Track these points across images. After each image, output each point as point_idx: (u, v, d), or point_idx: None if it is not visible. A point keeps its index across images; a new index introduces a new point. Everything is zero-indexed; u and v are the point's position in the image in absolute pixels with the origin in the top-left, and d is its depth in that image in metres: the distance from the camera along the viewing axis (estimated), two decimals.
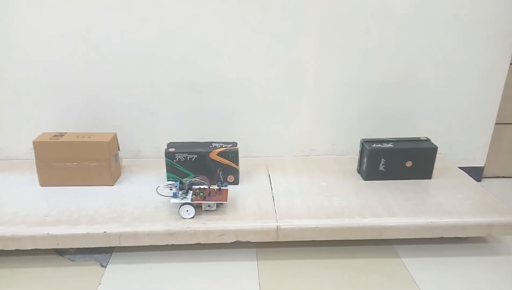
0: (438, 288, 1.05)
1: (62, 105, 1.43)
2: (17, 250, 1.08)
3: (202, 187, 1.17)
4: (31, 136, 1.45)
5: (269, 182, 1.32)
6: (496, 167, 1.65)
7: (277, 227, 1.10)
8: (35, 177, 1.32)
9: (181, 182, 1.16)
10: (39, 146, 1.24)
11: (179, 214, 1.12)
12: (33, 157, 1.27)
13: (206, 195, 1.15)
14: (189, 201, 1.12)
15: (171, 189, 1.17)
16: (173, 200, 1.13)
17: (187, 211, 1.11)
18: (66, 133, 1.30)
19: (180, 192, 1.15)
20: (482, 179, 1.64)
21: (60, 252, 1.17)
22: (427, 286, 1.06)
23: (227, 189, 1.18)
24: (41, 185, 1.29)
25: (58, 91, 1.41)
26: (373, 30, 1.37)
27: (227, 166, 1.28)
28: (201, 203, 1.14)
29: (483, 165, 1.60)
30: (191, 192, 1.16)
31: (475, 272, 1.11)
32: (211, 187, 1.17)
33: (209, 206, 1.15)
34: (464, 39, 1.40)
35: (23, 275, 1.09)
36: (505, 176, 1.67)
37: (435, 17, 1.37)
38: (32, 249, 1.08)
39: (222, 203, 1.17)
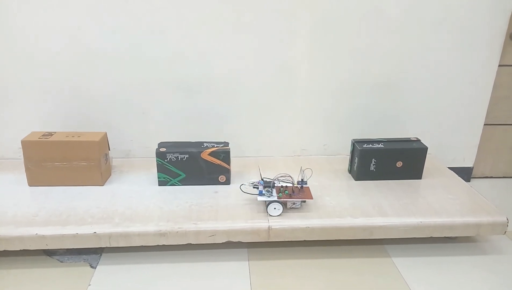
0: (428, 287, 1.06)
1: (52, 104, 1.41)
2: (4, 250, 1.06)
3: (284, 185, 1.18)
4: (19, 136, 1.44)
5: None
6: (484, 168, 1.67)
7: (269, 227, 1.10)
8: (23, 176, 1.31)
9: (265, 180, 1.17)
10: (27, 145, 1.23)
11: (267, 212, 1.13)
12: (22, 157, 1.25)
13: (290, 193, 1.15)
14: (276, 198, 1.12)
15: (254, 187, 1.17)
16: (260, 198, 1.13)
17: (275, 208, 1.12)
18: (55, 132, 1.29)
19: (265, 190, 1.15)
20: (471, 179, 1.66)
21: (49, 253, 1.15)
22: (417, 285, 1.07)
23: (309, 187, 1.19)
24: (30, 185, 1.27)
25: (47, 90, 1.39)
26: (364, 32, 1.38)
27: (219, 166, 1.27)
28: (288, 201, 1.14)
29: (472, 166, 1.62)
30: (274, 189, 1.16)
31: (464, 271, 1.13)
32: (294, 185, 1.18)
33: (294, 203, 1.15)
34: (454, 42, 1.42)
35: (11, 276, 1.07)
36: (493, 176, 1.69)
37: (425, 20, 1.38)
38: (20, 250, 1.07)
39: (305, 201, 1.18)
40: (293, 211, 1.15)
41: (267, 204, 1.12)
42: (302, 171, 1.22)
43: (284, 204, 1.15)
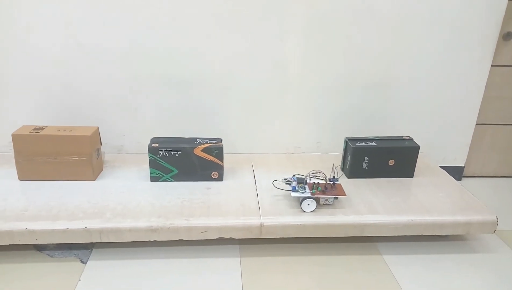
0: (418, 284, 1.07)
1: (43, 99, 1.40)
2: None
3: (316, 181, 1.18)
4: (10, 129, 1.42)
5: (253, 179, 1.32)
6: (475, 167, 1.68)
7: (261, 223, 1.10)
8: (13, 171, 1.29)
9: (298, 177, 1.17)
10: (18, 139, 1.21)
11: (301, 208, 1.13)
12: (12, 151, 1.24)
13: (323, 189, 1.16)
14: (309, 195, 1.13)
15: (287, 183, 1.19)
16: (294, 194, 1.14)
17: (308, 204, 1.13)
18: (46, 126, 1.27)
19: (299, 186, 1.16)
20: (462, 178, 1.68)
21: (39, 248, 1.14)
22: (407, 282, 1.07)
23: (340, 184, 1.20)
24: (20, 179, 1.26)
25: (39, 84, 1.38)
26: (357, 31, 1.38)
27: (211, 162, 1.27)
28: (321, 197, 1.15)
29: (463, 165, 1.63)
30: (307, 186, 1.16)
31: (454, 269, 1.14)
32: (326, 182, 1.18)
33: (326, 200, 1.16)
34: (447, 41, 1.42)
35: (0, 271, 1.06)
36: (484, 175, 1.71)
37: (418, 19, 1.38)
38: (9, 245, 1.06)
39: (337, 197, 1.18)
40: (288, 208, 1.15)
41: (301, 200, 1.13)
42: (334, 168, 1.22)
43: (317, 200, 1.15)
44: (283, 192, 1.23)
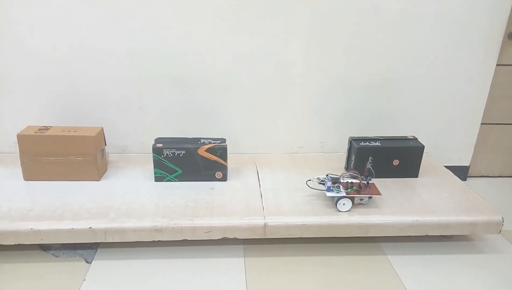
0: (422, 285, 1.07)
1: (48, 99, 1.41)
2: None
3: (350, 181, 1.18)
4: (15, 129, 1.43)
5: (257, 179, 1.32)
6: (481, 167, 1.68)
7: (265, 224, 1.10)
8: (19, 171, 1.30)
9: (332, 177, 1.18)
10: (23, 139, 1.22)
11: (336, 207, 1.14)
12: (17, 151, 1.25)
13: (357, 188, 1.16)
14: (344, 194, 1.13)
15: (321, 183, 1.19)
16: (329, 193, 1.14)
17: (344, 204, 1.13)
18: (51, 126, 1.28)
19: (334, 186, 1.16)
20: (467, 178, 1.67)
21: (44, 248, 1.15)
22: (411, 283, 1.07)
23: (374, 183, 1.20)
24: (25, 179, 1.26)
25: (44, 85, 1.39)
26: (361, 30, 1.38)
27: (215, 162, 1.27)
28: (356, 197, 1.15)
29: (468, 165, 1.63)
30: (341, 185, 1.17)
31: (459, 269, 1.13)
32: (361, 182, 1.18)
33: (361, 199, 1.16)
34: (452, 40, 1.42)
35: (6, 271, 1.07)
36: (489, 175, 1.70)
37: (423, 18, 1.38)
38: (15, 245, 1.06)
39: (371, 197, 1.19)
40: (290, 208, 1.15)
41: (336, 200, 1.13)
42: (367, 167, 1.22)
43: (352, 200, 1.15)
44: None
